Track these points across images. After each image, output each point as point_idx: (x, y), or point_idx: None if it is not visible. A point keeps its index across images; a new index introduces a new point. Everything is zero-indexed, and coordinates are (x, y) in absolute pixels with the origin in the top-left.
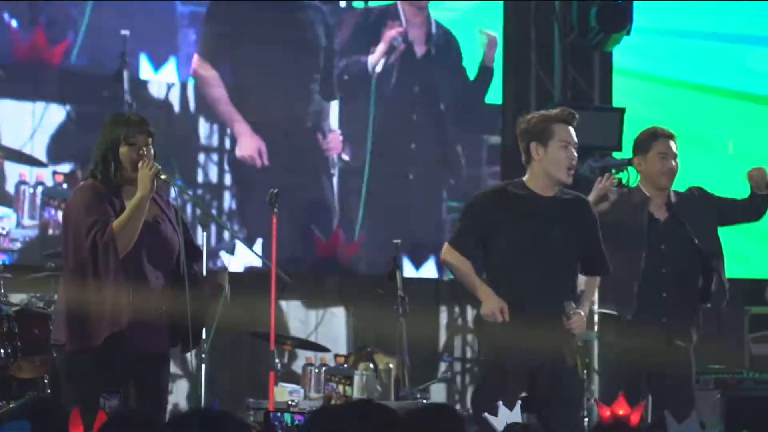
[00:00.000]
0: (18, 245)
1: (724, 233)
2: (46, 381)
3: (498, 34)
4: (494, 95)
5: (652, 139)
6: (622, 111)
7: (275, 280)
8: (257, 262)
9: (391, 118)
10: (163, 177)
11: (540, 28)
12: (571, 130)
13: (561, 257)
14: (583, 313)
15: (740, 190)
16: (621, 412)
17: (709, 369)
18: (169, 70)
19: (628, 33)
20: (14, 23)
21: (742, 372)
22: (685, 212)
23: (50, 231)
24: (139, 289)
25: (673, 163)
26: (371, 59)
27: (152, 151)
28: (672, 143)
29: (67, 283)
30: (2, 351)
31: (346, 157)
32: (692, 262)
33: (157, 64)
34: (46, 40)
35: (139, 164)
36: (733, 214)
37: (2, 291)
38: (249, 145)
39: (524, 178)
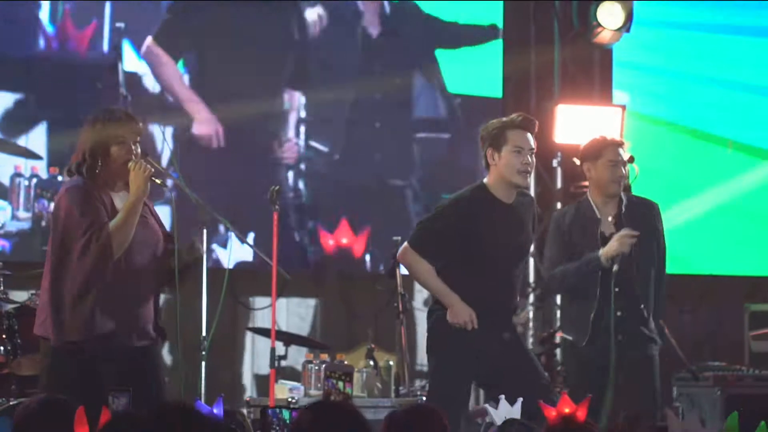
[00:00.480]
0: (14, 238)
1: (726, 229)
2: None
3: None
4: (492, 88)
5: (603, 146)
6: (622, 108)
7: (275, 277)
8: (248, 257)
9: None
10: (157, 181)
11: (540, 25)
12: (528, 135)
13: (519, 265)
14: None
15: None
16: (567, 410)
17: (709, 366)
18: None
19: (628, 30)
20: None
21: (742, 369)
22: (631, 225)
23: (43, 223)
24: (130, 284)
25: (623, 170)
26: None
27: (139, 149)
28: (621, 151)
29: (56, 279)
30: (2, 348)
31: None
32: (640, 277)
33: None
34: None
35: (130, 165)
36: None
37: (2, 288)
38: (206, 125)
39: (486, 182)
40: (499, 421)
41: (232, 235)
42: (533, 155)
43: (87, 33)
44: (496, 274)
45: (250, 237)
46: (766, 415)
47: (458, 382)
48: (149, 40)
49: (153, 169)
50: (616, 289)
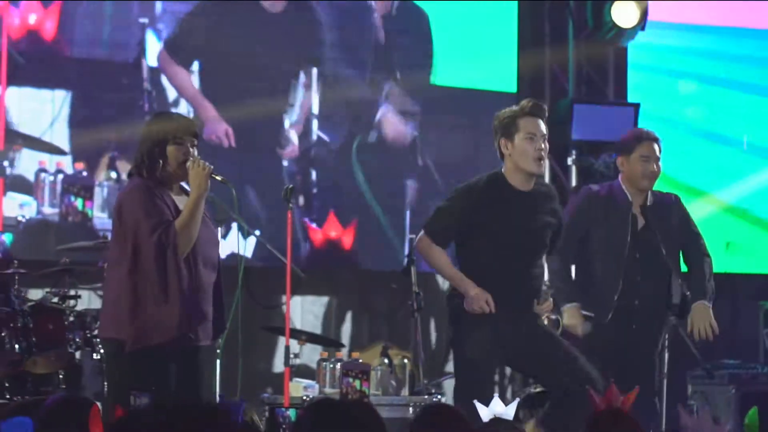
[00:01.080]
0: (33, 235)
1: (739, 227)
2: (60, 376)
3: (513, 30)
4: (505, 82)
5: (636, 142)
6: (636, 106)
7: (290, 275)
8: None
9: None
10: (218, 178)
11: (554, 24)
12: (540, 122)
13: (538, 252)
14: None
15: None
16: (614, 400)
17: (723, 364)
18: None
19: (642, 28)
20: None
21: (757, 367)
22: (656, 219)
23: (70, 218)
24: (198, 282)
25: (655, 167)
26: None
27: (196, 150)
28: (656, 146)
29: (132, 282)
30: (17, 346)
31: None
32: (662, 272)
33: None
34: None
35: (189, 164)
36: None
37: (17, 286)
38: (216, 128)
39: (503, 170)
40: (485, 419)
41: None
42: (546, 141)
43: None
44: (514, 261)
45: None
46: None
47: (483, 368)
48: (164, 55)
49: (212, 167)
50: (638, 278)
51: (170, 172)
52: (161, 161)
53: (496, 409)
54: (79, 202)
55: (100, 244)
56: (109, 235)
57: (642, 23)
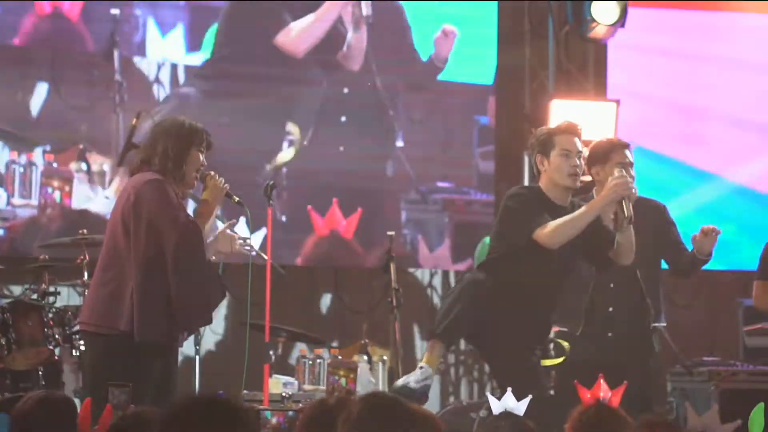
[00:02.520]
0: (7, 224)
1: (720, 224)
2: (40, 373)
3: (493, 29)
4: (482, 75)
5: (610, 150)
6: (617, 102)
7: (270, 272)
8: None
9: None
10: (235, 198)
11: (534, 20)
12: (575, 140)
13: (567, 270)
14: None
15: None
16: (602, 395)
17: (703, 361)
18: (177, 36)
19: (623, 25)
20: None
21: (737, 364)
22: (634, 226)
23: (48, 210)
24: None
25: (632, 173)
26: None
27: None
28: (628, 153)
29: (147, 277)
30: None
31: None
32: (636, 279)
33: (165, 29)
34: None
35: (210, 175)
36: (674, 260)
37: None
38: None
39: (540, 185)
40: (496, 412)
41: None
42: (581, 158)
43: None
44: (541, 277)
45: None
46: None
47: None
48: None
49: (228, 186)
50: (611, 285)
51: (187, 177)
52: (183, 165)
53: (508, 403)
54: (57, 195)
55: (79, 240)
56: (86, 231)
57: (622, 20)
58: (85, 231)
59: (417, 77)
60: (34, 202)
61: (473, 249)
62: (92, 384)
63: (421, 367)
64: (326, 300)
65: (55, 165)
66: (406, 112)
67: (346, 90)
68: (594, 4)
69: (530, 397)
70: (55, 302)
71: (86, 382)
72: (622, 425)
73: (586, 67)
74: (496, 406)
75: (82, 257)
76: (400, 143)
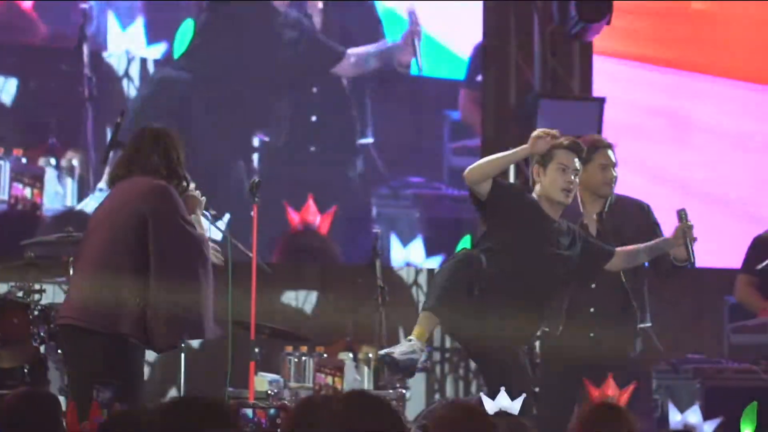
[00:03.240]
0: None
1: (706, 221)
2: (25, 371)
3: (477, 24)
4: (454, 70)
5: (593, 150)
6: (602, 100)
7: (255, 270)
8: None
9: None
10: (212, 212)
11: (519, 18)
12: (575, 158)
13: (551, 286)
14: None
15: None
16: (610, 393)
17: (688, 358)
18: (137, 30)
19: (608, 22)
20: None
21: (722, 361)
22: (612, 226)
23: (20, 207)
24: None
25: (614, 173)
26: None
27: None
28: (611, 153)
29: (160, 278)
30: None
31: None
32: (618, 278)
33: (125, 22)
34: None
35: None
36: (656, 262)
37: None
38: None
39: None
40: (491, 412)
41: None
42: (577, 176)
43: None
44: (532, 271)
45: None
46: (745, 407)
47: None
48: None
49: (204, 199)
50: (592, 285)
51: (180, 183)
52: (179, 168)
53: (502, 402)
54: (27, 191)
55: (64, 238)
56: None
57: (608, 18)
58: (71, 229)
59: (386, 73)
60: (4, 197)
61: (445, 244)
62: (84, 382)
63: (410, 340)
64: (312, 298)
65: (24, 161)
66: (376, 108)
67: (315, 89)
68: (579, 4)
69: (523, 396)
70: (40, 300)
71: (76, 378)
72: (629, 425)
73: (571, 66)
74: (491, 405)
75: (68, 255)
76: (369, 139)
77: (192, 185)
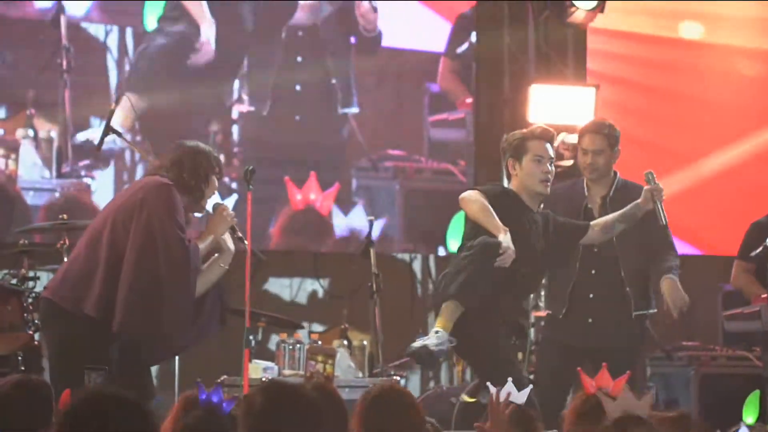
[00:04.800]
0: None
1: (701, 208)
2: (19, 358)
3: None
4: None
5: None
6: (596, 87)
7: (250, 257)
8: None
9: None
10: (238, 234)
11: (513, 5)
12: (548, 145)
13: (533, 275)
14: None
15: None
16: (604, 383)
17: (682, 346)
18: None
19: (602, 10)
20: None
21: (716, 349)
22: (617, 207)
23: None
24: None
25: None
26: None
27: None
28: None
29: (139, 274)
30: None
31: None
32: (615, 264)
33: None
34: None
35: (220, 205)
36: (655, 250)
37: None
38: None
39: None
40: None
41: None
42: (553, 164)
43: None
44: (518, 268)
45: None
46: (739, 395)
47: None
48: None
49: (236, 220)
50: (593, 272)
51: (197, 198)
52: (202, 185)
53: (509, 394)
54: (3, 162)
55: (58, 225)
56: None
57: (601, 5)
58: (65, 216)
59: (365, 44)
60: None
61: (425, 218)
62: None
63: (437, 332)
64: (306, 285)
65: (1, 132)
66: (357, 80)
67: (299, 59)
68: None
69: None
70: (34, 287)
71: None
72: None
73: (565, 52)
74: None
75: (62, 242)
76: (354, 110)
77: (227, 206)
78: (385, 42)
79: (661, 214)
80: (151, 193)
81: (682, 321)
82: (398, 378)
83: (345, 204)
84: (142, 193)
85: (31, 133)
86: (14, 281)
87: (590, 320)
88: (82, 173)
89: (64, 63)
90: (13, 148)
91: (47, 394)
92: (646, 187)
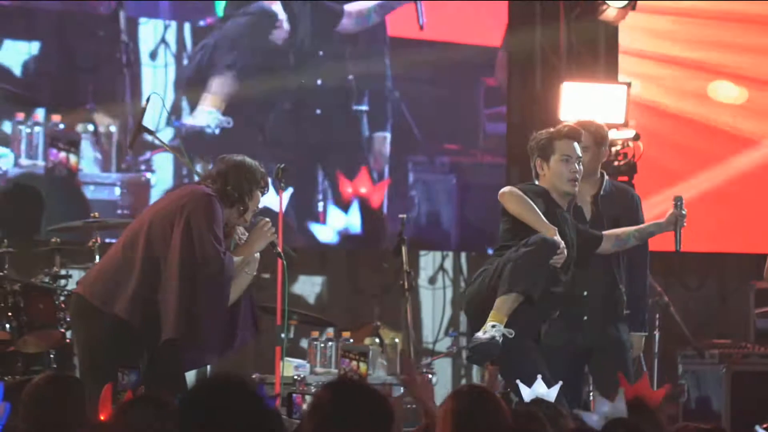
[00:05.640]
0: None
1: (732, 206)
2: (51, 356)
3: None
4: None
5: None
6: (627, 85)
7: (282, 255)
8: None
9: None
10: (277, 250)
11: (545, 4)
12: (575, 145)
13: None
14: None
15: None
16: (644, 392)
17: (714, 344)
18: None
19: (633, 8)
20: None
21: (748, 347)
22: (607, 209)
23: (56, 173)
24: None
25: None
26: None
27: None
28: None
29: (186, 283)
30: (8, 326)
31: None
32: (607, 261)
33: None
34: None
35: (261, 220)
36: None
37: (6, 266)
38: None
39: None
40: (527, 399)
41: None
42: (581, 163)
43: None
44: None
45: None
46: None
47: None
48: None
49: (276, 236)
50: (586, 269)
51: (239, 213)
52: (246, 198)
53: (538, 389)
54: (64, 156)
55: (90, 223)
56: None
57: (633, 2)
58: (97, 214)
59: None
60: (41, 163)
61: (481, 211)
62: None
63: (494, 326)
64: (338, 283)
65: (61, 126)
66: (411, 75)
67: (321, 53)
68: None
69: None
70: (66, 285)
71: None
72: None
73: (597, 50)
74: (527, 393)
75: (93, 240)
76: (364, 107)
77: (269, 221)
78: (441, 36)
79: (679, 241)
80: (193, 202)
81: (714, 318)
82: (429, 376)
83: (401, 198)
84: (184, 201)
85: (90, 127)
86: (46, 279)
87: (585, 318)
88: (142, 167)
89: (124, 58)
90: (73, 143)
91: (80, 391)
92: (671, 211)
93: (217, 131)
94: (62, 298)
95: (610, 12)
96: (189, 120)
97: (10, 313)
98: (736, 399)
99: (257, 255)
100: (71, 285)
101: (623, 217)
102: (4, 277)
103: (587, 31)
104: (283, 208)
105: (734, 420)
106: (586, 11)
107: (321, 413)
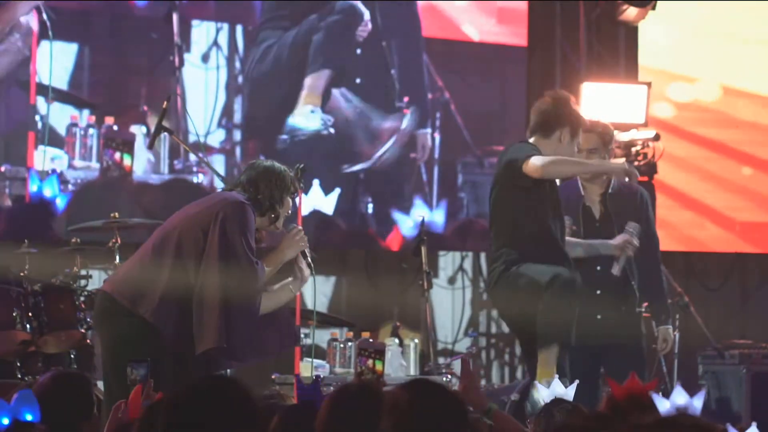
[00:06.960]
0: (71, 186)
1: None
2: (72, 356)
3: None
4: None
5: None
6: (648, 85)
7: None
8: None
9: None
10: (307, 259)
11: (565, 4)
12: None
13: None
14: None
15: None
16: (634, 390)
17: (734, 344)
18: None
19: (653, 7)
20: None
21: None
22: (615, 207)
23: (111, 173)
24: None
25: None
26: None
27: None
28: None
29: (224, 291)
30: (28, 326)
31: None
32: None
33: None
34: None
35: (295, 228)
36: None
37: (27, 266)
38: None
39: None
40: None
41: None
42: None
43: None
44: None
45: None
46: None
47: None
48: None
49: (307, 245)
50: (597, 268)
51: (270, 219)
52: (276, 206)
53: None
54: (118, 156)
55: (111, 223)
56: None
57: (653, 3)
58: (116, 214)
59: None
60: (95, 164)
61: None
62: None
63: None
64: (357, 282)
65: (115, 128)
66: (458, 76)
67: (358, 51)
68: None
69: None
70: (86, 285)
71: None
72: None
73: (617, 50)
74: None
75: (114, 240)
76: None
77: (301, 229)
78: (488, 38)
79: (619, 266)
80: (227, 210)
81: (734, 319)
82: (449, 377)
83: (451, 200)
84: (217, 208)
85: (144, 129)
86: (67, 280)
87: (599, 317)
88: (194, 169)
89: (176, 60)
90: (128, 144)
91: (86, 387)
92: (623, 236)
93: (332, 131)
94: (82, 299)
95: (629, 12)
96: (295, 121)
97: (30, 314)
98: (756, 400)
99: (306, 276)
100: (92, 285)
101: (631, 215)
102: (25, 278)
103: (607, 32)
104: (331, 209)
105: (754, 421)
106: (606, 11)
107: (398, 412)
